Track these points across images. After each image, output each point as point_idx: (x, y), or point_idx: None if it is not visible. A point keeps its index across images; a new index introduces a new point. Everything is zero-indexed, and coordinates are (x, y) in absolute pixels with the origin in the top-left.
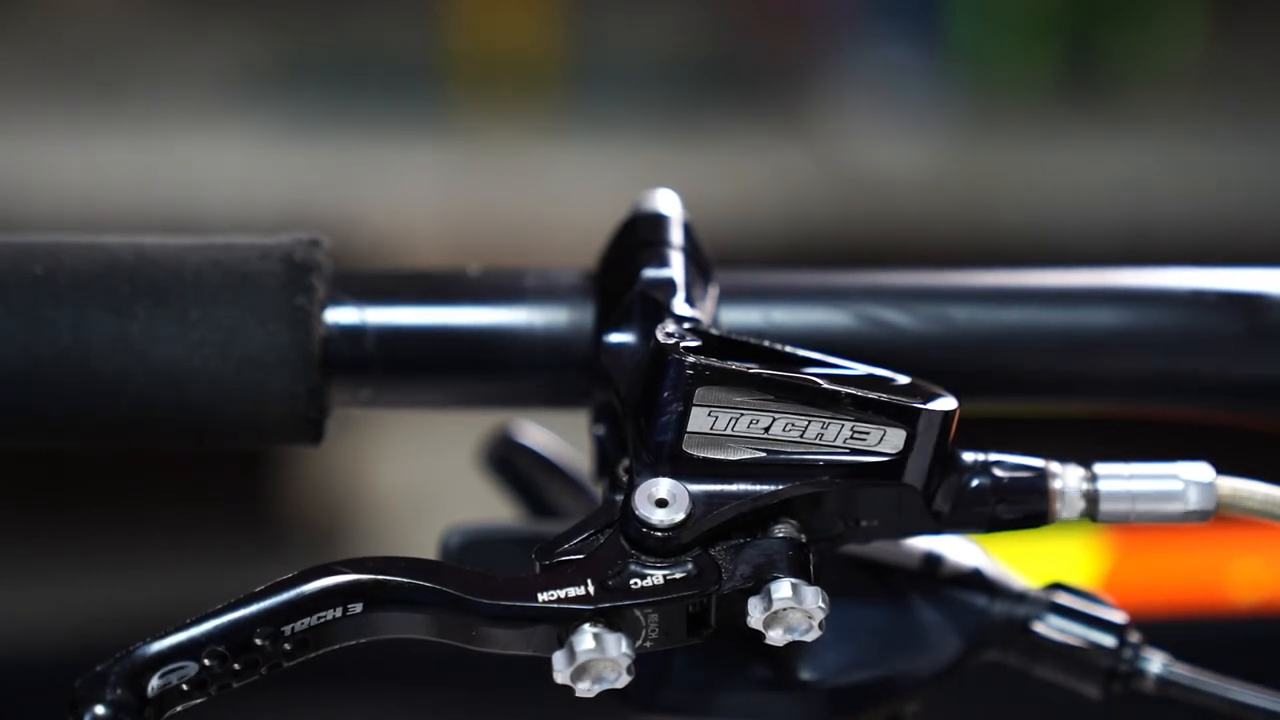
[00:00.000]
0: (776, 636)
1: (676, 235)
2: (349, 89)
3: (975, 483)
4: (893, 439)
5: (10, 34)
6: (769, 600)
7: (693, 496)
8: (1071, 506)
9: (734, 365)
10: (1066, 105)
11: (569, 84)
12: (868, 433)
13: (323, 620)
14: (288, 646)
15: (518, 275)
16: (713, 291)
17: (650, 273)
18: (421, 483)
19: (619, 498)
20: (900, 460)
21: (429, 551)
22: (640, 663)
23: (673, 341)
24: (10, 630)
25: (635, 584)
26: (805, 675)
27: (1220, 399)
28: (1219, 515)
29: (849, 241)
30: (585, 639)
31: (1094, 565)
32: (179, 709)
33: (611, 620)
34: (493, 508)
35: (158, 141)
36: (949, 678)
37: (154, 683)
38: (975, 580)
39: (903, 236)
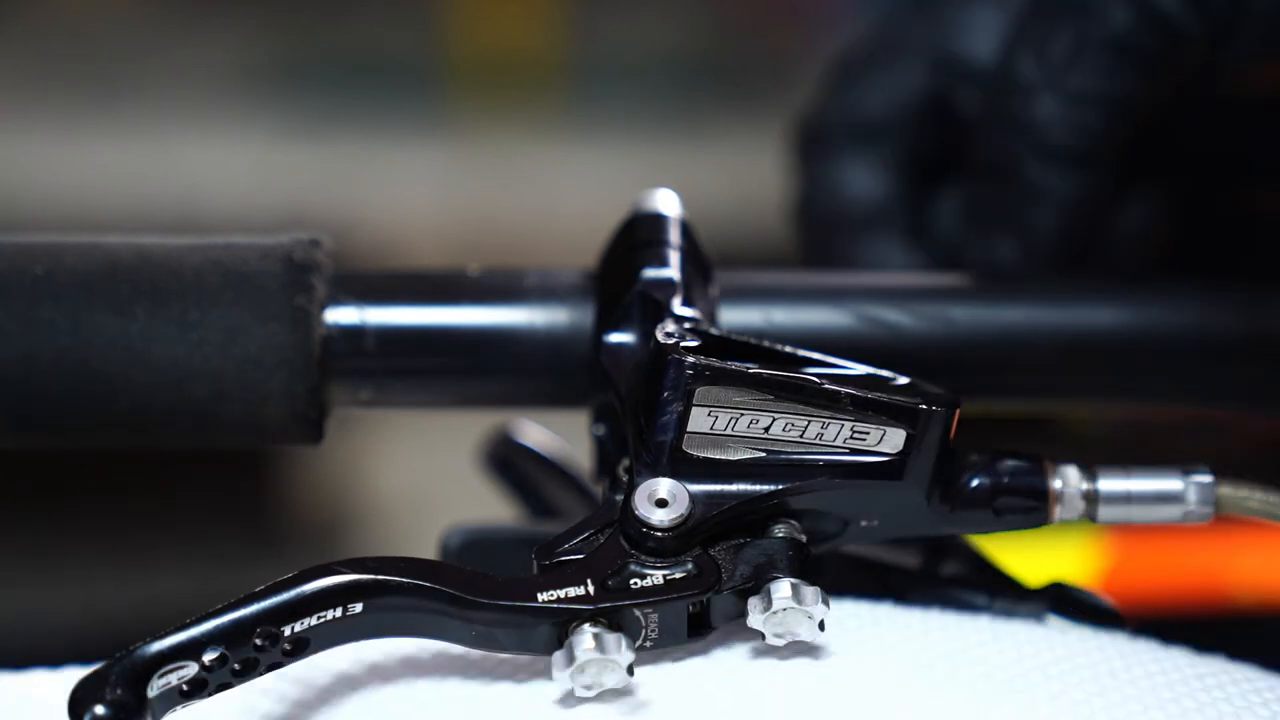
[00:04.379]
0: (777, 637)
1: (676, 235)
2: (349, 89)
3: (975, 482)
4: (893, 439)
5: (10, 34)
6: (769, 600)
7: (693, 496)
8: (1071, 507)
9: (734, 365)
10: None
11: (569, 84)
12: (868, 432)
13: (323, 620)
14: (288, 646)
15: (518, 275)
16: (713, 291)
17: (650, 273)
18: (421, 483)
19: (619, 498)
20: (900, 460)
21: (429, 551)
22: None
23: (672, 341)
24: (11, 630)
25: (635, 584)
26: None
27: (1221, 399)
28: (1219, 515)
29: None
30: (585, 639)
31: (1094, 565)
32: (179, 709)
33: (611, 620)
34: (493, 508)
35: (157, 142)
36: None
37: (154, 683)
38: (975, 580)
39: None
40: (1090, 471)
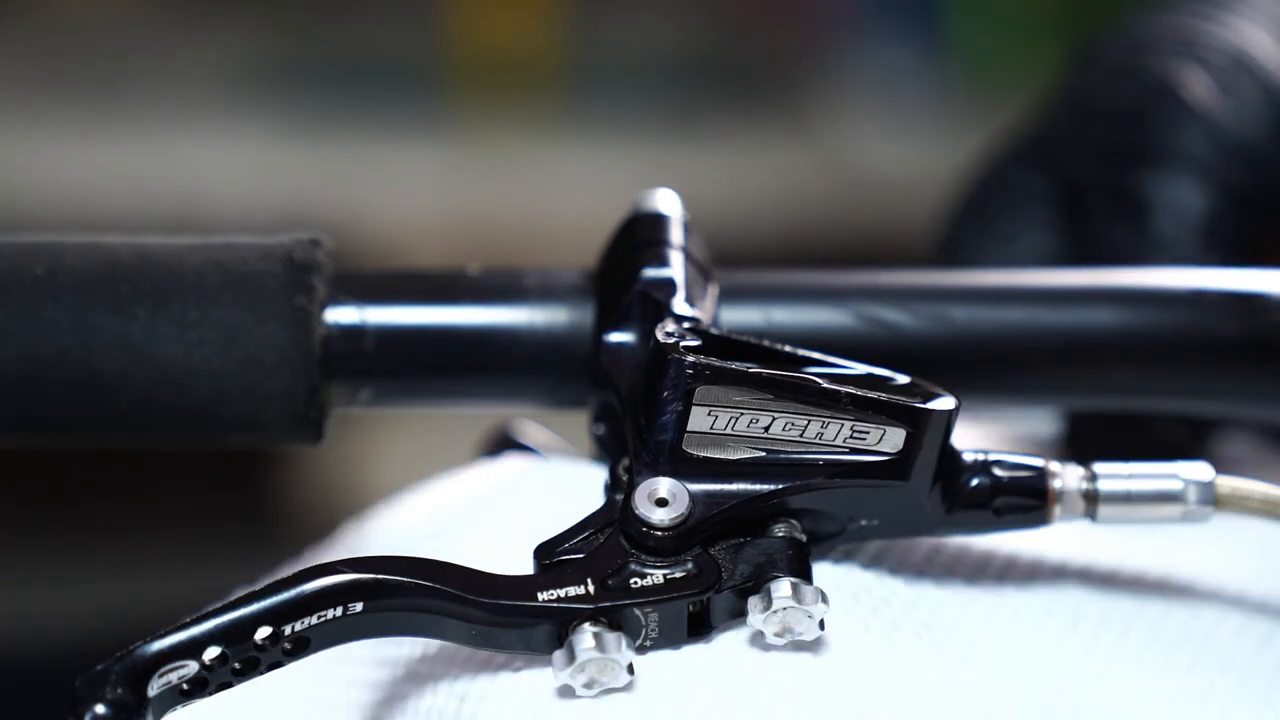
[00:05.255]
0: (777, 636)
1: (676, 235)
2: (349, 89)
3: (975, 482)
4: (893, 438)
5: (10, 34)
6: (769, 599)
7: (693, 496)
8: (1071, 506)
9: (734, 365)
10: None
11: (569, 84)
12: (867, 432)
13: (323, 620)
14: (288, 646)
15: (518, 275)
16: (713, 291)
17: (650, 272)
18: (421, 483)
19: (619, 497)
20: (900, 460)
21: None
22: None
23: (673, 341)
24: (11, 630)
25: (635, 583)
26: None
27: (1221, 399)
28: (1219, 514)
29: (849, 241)
30: (585, 638)
31: None
32: (179, 708)
33: (612, 619)
34: None
35: (158, 142)
36: None
37: (154, 682)
38: None
39: (903, 236)
40: (1090, 471)
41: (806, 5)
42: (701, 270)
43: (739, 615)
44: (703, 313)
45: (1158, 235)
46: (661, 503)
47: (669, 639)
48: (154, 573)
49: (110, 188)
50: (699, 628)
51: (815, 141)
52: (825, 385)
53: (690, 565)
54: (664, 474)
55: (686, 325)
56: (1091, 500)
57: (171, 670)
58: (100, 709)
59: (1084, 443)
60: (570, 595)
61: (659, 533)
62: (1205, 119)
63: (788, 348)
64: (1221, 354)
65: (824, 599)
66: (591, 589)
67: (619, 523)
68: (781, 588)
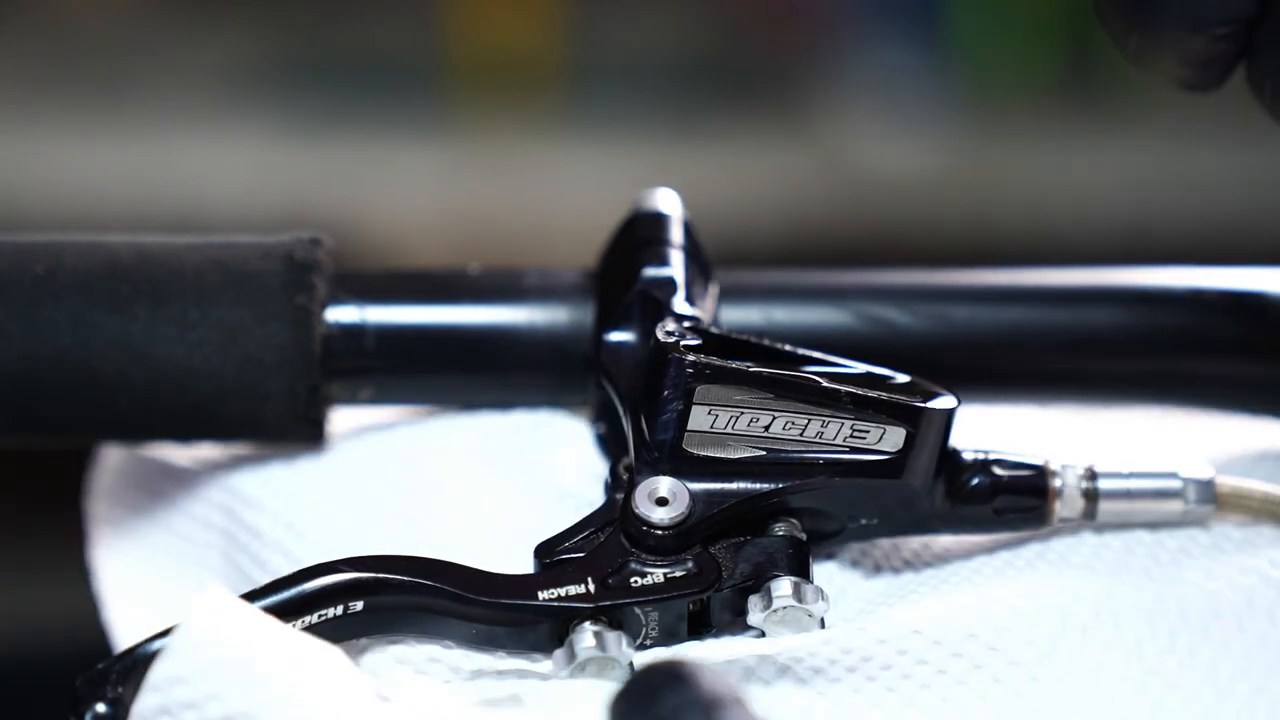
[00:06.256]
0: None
1: (677, 234)
2: (349, 89)
3: (975, 481)
4: (893, 437)
5: (10, 34)
6: (769, 598)
7: (693, 495)
8: (1071, 505)
9: (734, 364)
10: (1066, 105)
11: (569, 84)
12: (868, 431)
13: (323, 618)
14: None
15: (518, 275)
16: (713, 290)
17: (651, 271)
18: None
19: (619, 496)
20: (900, 459)
21: None
22: None
23: (673, 340)
24: (11, 630)
25: (636, 582)
26: None
27: (1220, 399)
28: (1219, 515)
29: (849, 241)
30: (586, 637)
31: None
32: None
33: (612, 618)
34: None
35: (157, 142)
36: None
37: None
38: None
39: (903, 236)
40: (1090, 470)
41: (806, 5)
42: (702, 270)
43: (739, 614)
44: (703, 312)
45: None
46: (662, 502)
47: (669, 638)
48: None
49: (110, 188)
50: (699, 627)
51: (815, 141)
52: (825, 384)
53: (690, 564)
54: (664, 473)
55: (687, 324)
56: (1091, 499)
57: None
58: (100, 708)
59: None
60: (571, 594)
61: (659, 532)
62: None
63: (788, 347)
64: (1220, 354)
65: (824, 597)
66: (592, 588)
67: (619, 521)
68: (782, 586)
